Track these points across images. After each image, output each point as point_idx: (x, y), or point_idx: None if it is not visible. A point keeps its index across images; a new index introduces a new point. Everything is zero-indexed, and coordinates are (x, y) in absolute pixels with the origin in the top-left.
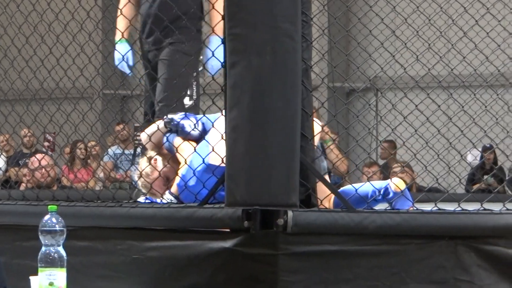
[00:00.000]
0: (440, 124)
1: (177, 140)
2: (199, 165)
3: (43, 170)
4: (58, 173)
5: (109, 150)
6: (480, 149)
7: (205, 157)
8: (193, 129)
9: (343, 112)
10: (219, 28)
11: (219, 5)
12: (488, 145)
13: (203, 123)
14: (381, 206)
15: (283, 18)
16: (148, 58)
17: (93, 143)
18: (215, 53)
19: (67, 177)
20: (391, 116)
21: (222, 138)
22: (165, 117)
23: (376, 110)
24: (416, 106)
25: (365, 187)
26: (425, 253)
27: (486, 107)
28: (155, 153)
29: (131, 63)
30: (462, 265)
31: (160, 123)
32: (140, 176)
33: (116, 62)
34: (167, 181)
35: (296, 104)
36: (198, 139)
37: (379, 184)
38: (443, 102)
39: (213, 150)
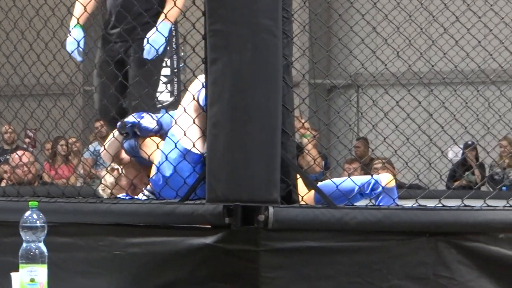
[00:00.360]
0: (421, 120)
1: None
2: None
3: (24, 167)
4: (39, 169)
5: (90, 146)
6: (461, 146)
7: (177, 142)
8: (152, 124)
9: (324, 108)
10: (170, 14)
11: None
12: (470, 142)
13: (161, 123)
14: (362, 203)
15: (263, 14)
16: (112, 49)
17: (73, 139)
18: (157, 37)
19: (48, 174)
20: (372, 112)
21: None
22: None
23: (357, 106)
24: (397, 102)
25: (349, 181)
26: (406, 249)
27: (467, 103)
28: (115, 164)
29: (81, 49)
30: (443, 261)
31: (114, 132)
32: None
33: (68, 47)
34: (134, 189)
35: (277, 100)
36: (160, 135)
37: (365, 178)
38: (424, 99)
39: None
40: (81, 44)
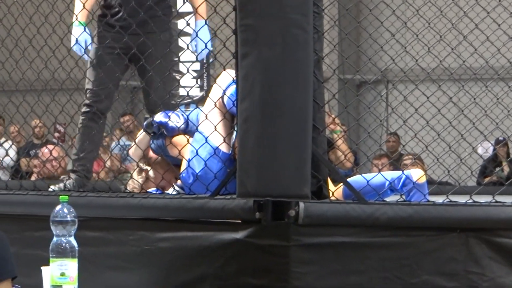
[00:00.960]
0: (451, 116)
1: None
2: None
3: (54, 161)
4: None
5: (119, 141)
6: (491, 142)
7: (201, 145)
8: (179, 123)
9: (354, 104)
10: (202, 11)
11: None
12: (501, 138)
13: (187, 121)
14: (392, 198)
15: (294, 9)
16: (119, 41)
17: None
18: (201, 36)
19: None
20: (402, 108)
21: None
22: (144, 123)
23: (387, 102)
24: (428, 98)
25: (380, 177)
26: (436, 245)
27: (497, 99)
28: (145, 164)
29: (90, 47)
30: (473, 257)
31: (141, 133)
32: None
33: (75, 47)
34: (163, 189)
35: (308, 95)
36: (186, 133)
37: (396, 174)
38: (454, 95)
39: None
40: (88, 42)
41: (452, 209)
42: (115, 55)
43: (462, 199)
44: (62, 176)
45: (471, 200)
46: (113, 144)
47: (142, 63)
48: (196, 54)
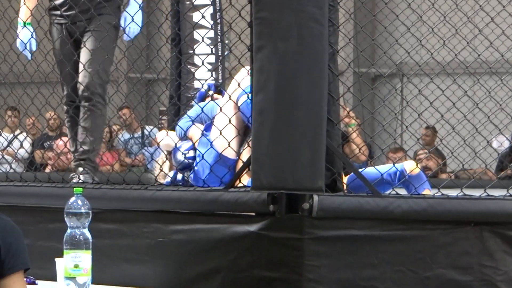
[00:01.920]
0: (466, 110)
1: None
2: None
3: (68, 154)
4: None
5: (120, 136)
6: (506, 136)
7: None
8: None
9: (369, 97)
10: None
11: None
12: None
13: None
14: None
15: (309, 2)
16: (69, 31)
17: (117, 126)
18: (133, 17)
19: None
20: (417, 101)
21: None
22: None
23: (402, 95)
24: (443, 91)
25: (377, 172)
26: (450, 238)
27: None
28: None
29: (34, 48)
30: (488, 251)
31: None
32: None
33: (20, 47)
34: None
35: (323, 88)
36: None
37: (390, 168)
38: (469, 88)
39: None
40: (32, 43)
41: (467, 202)
42: (64, 42)
43: (476, 192)
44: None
45: (485, 194)
46: (117, 139)
47: (84, 40)
48: (127, 33)
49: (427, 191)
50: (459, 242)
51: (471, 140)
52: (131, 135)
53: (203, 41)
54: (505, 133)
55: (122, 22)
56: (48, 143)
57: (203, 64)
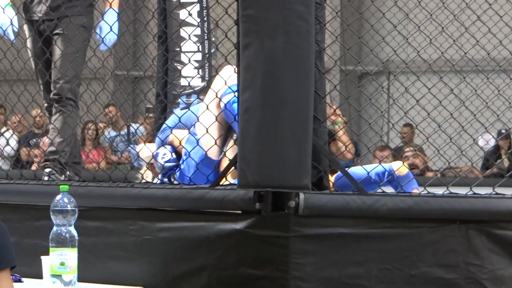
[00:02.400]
0: (452, 108)
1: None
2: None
3: None
4: None
5: (106, 133)
6: (492, 134)
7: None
8: (164, 159)
9: (356, 95)
10: (115, 1)
11: None
12: (504, 131)
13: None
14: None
15: (296, 0)
16: (39, 29)
17: (103, 124)
18: (110, 26)
19: None
20: (403, 99)
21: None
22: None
23: (388, 93)
24: (429, 89)
25: (366, 170)
26: (436, 236)
27: (499, 91)
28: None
29: (16, 29)
30: (473, 249)
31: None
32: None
33: (1, 30)
34: None
35: (309, 86)
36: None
37: (378, 168)
38: (456, 86)
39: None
40: (15, 24)
41: (453, 200)
42: (35, 40)
43: (462, 190)
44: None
45: (471, 192)
46: (103, 136)
47: (55, 40)
48: (104, 42)
49: (416, 191)
50: (445, 240)
51: (457, 138)
52: (117, 133)
53: (189, 38)
54: (491, 131)
55: (98, 31)
56: (34, 140)
57: (189, 61)
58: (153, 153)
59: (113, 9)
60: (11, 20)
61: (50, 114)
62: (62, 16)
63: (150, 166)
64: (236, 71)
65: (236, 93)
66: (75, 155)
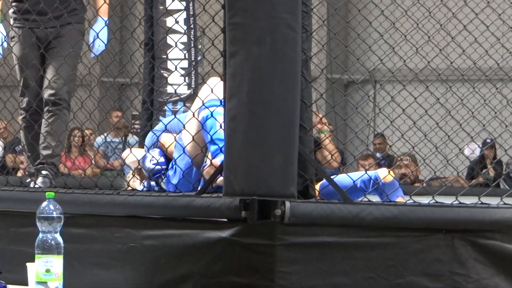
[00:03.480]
0: (438, 117)
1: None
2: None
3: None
4: None
5: (101, 137)
6: (478, 143)
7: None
8: (152, 161)
9: (342, 103)
10: (104, 10)
11: None
12: (489, 140)
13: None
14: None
15: (283, 8)
16: (38, 36)
17: (89, 131)
18: (99, 34)
19: (64, 164)
20: (389, 108)
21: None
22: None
23: (374, 102)
24: (415, 98)
25: (351, 178)
26: (422, 246)
27: (484, 101)
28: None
29: (5, 45)
30: (459, 258)
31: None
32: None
33: None
34: None
35: (295, 94)
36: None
37: (364, 175)
38: (442, 95)
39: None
40: (5, 41)
41: (438, 210)
42: (36, 51)
43: (448, 200)
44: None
45: (457, 202)
46: (99, 140)
47: (53, 48)
48: (93, 51)
49: (401, 199)
50: (430, 250)
51: (443, 148)
52: (121, 139)
53: (176, 46)
54: (477, 140)
55: (90, 39)
56: (20, 147)
57: (176, 69)
58: (138, 159)
59: (102, 18)
60: (4, 37)
61: (28, 122)
62: (64, 23)
63: (138, 172)
64: (222, 79)
65: (212, 109)
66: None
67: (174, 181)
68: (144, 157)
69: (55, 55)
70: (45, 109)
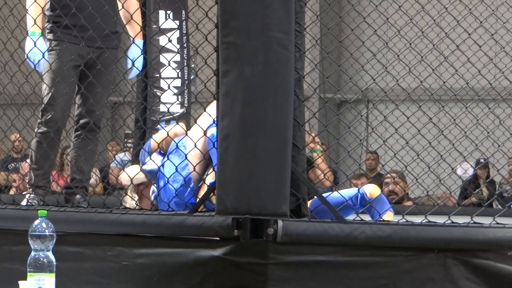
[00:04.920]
0: (431, 137)
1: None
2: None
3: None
4: None
5: (116, 156)
6: (470, 163)
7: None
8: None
9: (334, 123)
10: (140, 33)
11: (138, 12)
12: (482, 160)
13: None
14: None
15: (276, 27)
16: (82, 54)
17: None
18: (137, 56)
19: (57, 183)
20: (382, 128)
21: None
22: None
23: (367, 121)
24: (408, 118)
25: (339, 196)
26: (414, 265)
27: (477, 120)
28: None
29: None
30: (451, 277)
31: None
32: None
33: (32, 57)
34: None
35: (288, 113)
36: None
37: (351, 192)
38: (434, 115)
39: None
40: (44, 55)
41: (431, 229)
42: (75, 68)
43: (440, 219)
44: (24, 193)
45: (449, 221)
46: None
47: (95, 73)
48: (130, 72)
49: (389, 212)
50: (423, 269)
51: (435, 167)
52: (130, 158)
53: (169, 65)
54: (470, 160)
55: (129, 63)
56: (13, 165)
57: (169, 87)
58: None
59: (141, 40)
60: (43, 54)
61: (47, 139)
62: (110, 47)
63: (135, 189)
64: (215, 98)
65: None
66: (46, 178)
67: (167, 197)
68: (143, 151)
69: (99, 80)
70: (77, 132)
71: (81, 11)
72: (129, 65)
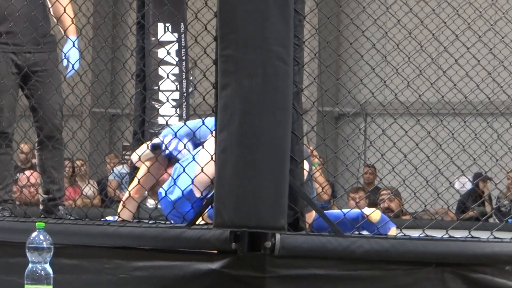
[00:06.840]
0: (429, 150)
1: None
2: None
3: (31, 187)
4: None
5: (115, 169)
6: (468, 177)
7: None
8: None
9: (332, 136)
10: (71, 29)
11: (69, 8)
12: (483, 173)
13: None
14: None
15: (275, 41)
16: (17, 63)
17: (80, 162)
18: (71, 53)
19: (69, 197)
20: (380, 141)
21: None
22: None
23: (365, 135)
24: (406, 132)
25: (342, 212)
26: (412, 279)
27: (475, 135)
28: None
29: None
30: None
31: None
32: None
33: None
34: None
35: (287, 127)
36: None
37: (353, 213)
38: (433, 129)
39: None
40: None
41: (429, 243)
42: (11, 75)
43: (438, 233)
44: None
45: (447, 235)
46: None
47: (34, 80)
48: (66, 71)
49: (393, 229)
50: (420, 283)
51: (433, 181)
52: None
53: (168, 77)
54: (468, 174)
55: (64, 62)
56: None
57: (167, 100)
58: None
59: (70, 38)
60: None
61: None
62: (45, 51)
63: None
64: (214, 111)
65: None
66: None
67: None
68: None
69: (44, 87)
70: (40, 144)
71: (10, 18)
72: (65, 64)
